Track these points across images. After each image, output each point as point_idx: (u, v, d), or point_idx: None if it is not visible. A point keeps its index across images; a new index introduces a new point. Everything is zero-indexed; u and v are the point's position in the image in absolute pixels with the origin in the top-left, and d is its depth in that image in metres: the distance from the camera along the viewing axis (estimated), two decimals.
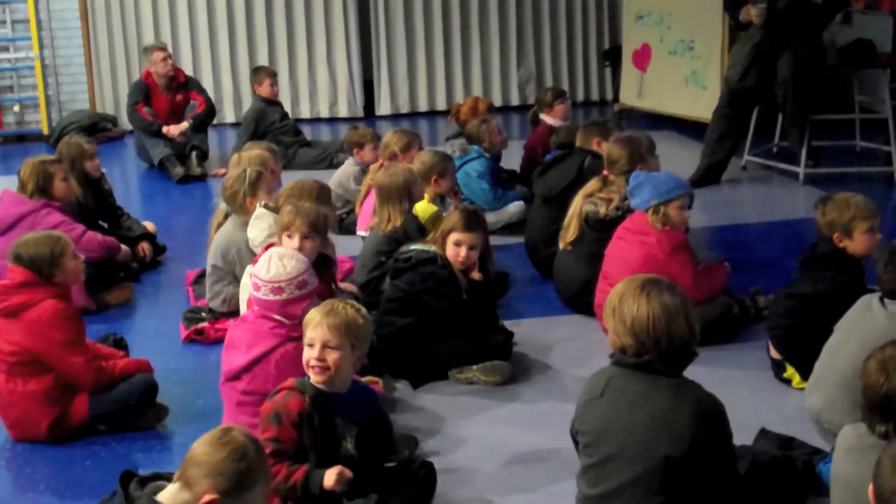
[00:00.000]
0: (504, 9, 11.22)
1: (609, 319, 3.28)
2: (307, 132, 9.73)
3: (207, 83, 10.25)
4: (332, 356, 3.50)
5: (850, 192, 4.56)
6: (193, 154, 8.73)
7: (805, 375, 4.25)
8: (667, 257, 4.97)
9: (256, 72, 9.23)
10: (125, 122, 10.20)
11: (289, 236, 4.62)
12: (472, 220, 4.78)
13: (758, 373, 4.70)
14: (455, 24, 11.16)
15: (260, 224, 5.13)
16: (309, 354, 3.53)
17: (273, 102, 9.06)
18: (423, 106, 11.25)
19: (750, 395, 4.46)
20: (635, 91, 10.20)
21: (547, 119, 7.51)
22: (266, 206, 5.21)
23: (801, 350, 4.41)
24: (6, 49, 10.50)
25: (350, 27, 11.00)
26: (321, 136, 10.24)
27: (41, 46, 10.42)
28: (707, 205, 7.12)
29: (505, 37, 11.28)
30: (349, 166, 7.23)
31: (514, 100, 11.39)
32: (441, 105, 11.16)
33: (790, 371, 4.57)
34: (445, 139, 7.64)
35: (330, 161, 8.52)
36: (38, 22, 10.40)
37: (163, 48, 9.08)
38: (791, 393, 4.51)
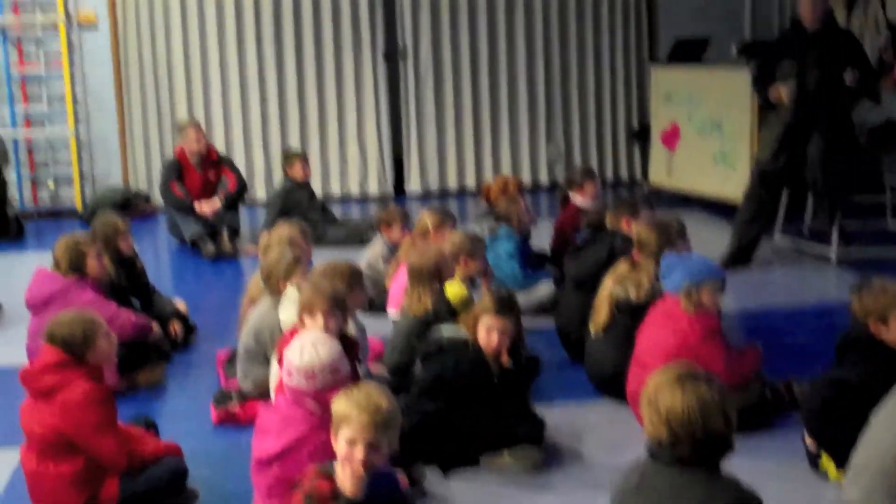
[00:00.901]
0: (533, 87, 11.32)
1: (644, 409, 3.24)
2: (337, 209, 9.80)
3: (239, 161, 10.37)
4: (375, 456, 3.43)
5: (887, 280, 4.53)
6: (225, 232, 8.80)
7: (842, 466, 4.19)
8: (699, 342, 4.93)
9: (287, 155, 9.33)
10: (158, 199, 10.33)
11: (310, 315, 4.62)
12: (505, 306, 4.77)
13: (793, 463, 4.63)
14: (484, 102, 11.26)
15: (292, 307, 5.14)
16: (352, 454, 3.42)
17: (302, 183, 9.15)
18: (452, 184, 11.32)
19: (785, 487, 4.39)
20: (664, 170, 10.24)
21: (576, 198, 7.53)
22: (299, 289, 5.22)
23: (837, 440, 4.34)
24: (41, 125, 10.68)
25: (380, 105, 11.13)
26: (351, 213, 10.32)
27: (76, 122, 10.59)
28: (738, 287, 7.09)
29: (534, 115, 11.37)
30: (378, 246, 7.25)
31: (544, 178, 11.44)
32: (470, 183, 11.24)
33: (826, 462, 4.50)
34: (475, 219, 7.66)
35: (360, 239, 8.56)
36: (74, 98, 10.58)
37: (196, 126, 9.20)
38: (828, 485, 4.44)
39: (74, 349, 4.44)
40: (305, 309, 4.65)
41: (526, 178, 11.10)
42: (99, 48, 10.67)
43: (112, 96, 10.76)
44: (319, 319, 4.58)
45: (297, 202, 8.96)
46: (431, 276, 5.44)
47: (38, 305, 5.79)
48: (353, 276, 5.25)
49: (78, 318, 4.53)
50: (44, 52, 10.56)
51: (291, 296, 5.21)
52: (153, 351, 6.13)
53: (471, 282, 5.94)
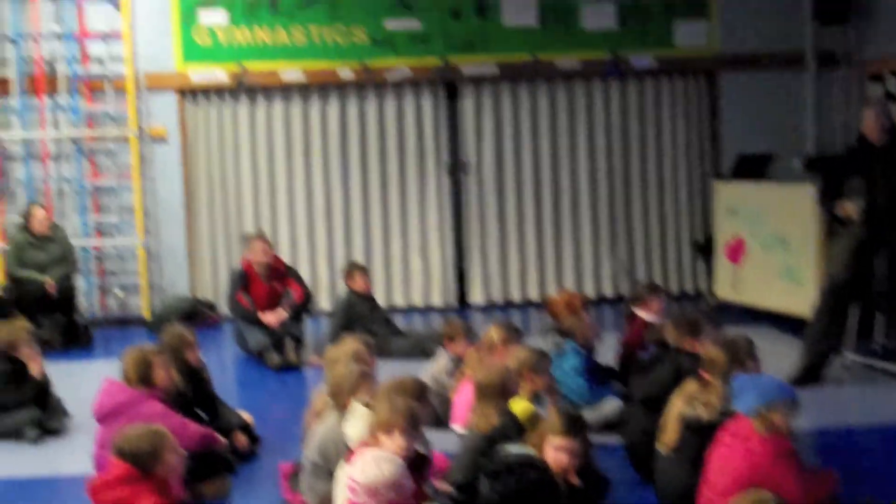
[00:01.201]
0: (595, 200, 11.36)
1: None
2: (400, 321, 9.83)
3: (304, 272, 10.46)
4: None
5: None
6: (290, 343, 8.86)
7: None
8: (772, 465, 4.82)
9: (348, 268, 9.42)
10: (223, 309, 10.46)
11: (387, 435, 4.59)
12: (573, 425, 4.72)
13: None
14: (547, 215, 11.31)
15: (358, 422, 5.12)
16: None
17: (364, 295, 9.20)
18: (515, 296, 11.32)
19: None
20: (730, 284, 10.16)
21: (642, 314, 7.48)
22: (365, 404, 5.21)
23: None
24: (111, 235, 10.89)
25: (444, 218, 11.23)
26: (415, 324, 10.33)
27: (146, 233, 10.79)
28: (810, 406, 6.89)
29: (597, 228, 11.38)
30: (442, 360, 7.23)
31: (607, 291, 11.40)
32: (533, 295, 11.23)
33: None
34: (540, 334, 7.63)
35: (423, 351, 8.55)
36: (144, 209, 10.80)
37: (262, 238, 9.35)
38: None
39: (142, 463, 4.47)
40: (383, 427, 4.62)
41: (589, 290, 11.09)
42: (169, 161, 10.93)
43: (181, 207, 10.98)
44: (398, 439, 4.56)
45: (359, 314, 9.01)
46: (498, 392, 5.41)
47: (106, 416, 5.83)
48: (421, 392, 5.24)
49: (146, 433, 4.56)
50: (115, 164, 10.83)
51: (358, 411, 5.20)
52: (219, 463, 6.12)
53: (536, 398, 5.89)
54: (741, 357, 5.54)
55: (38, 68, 10.69)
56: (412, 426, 4.62)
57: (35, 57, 10.68)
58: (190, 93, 10.95)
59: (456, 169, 11.28)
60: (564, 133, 11.30)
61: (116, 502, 4.41)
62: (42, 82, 10.69)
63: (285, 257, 10.24)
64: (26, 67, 10.68)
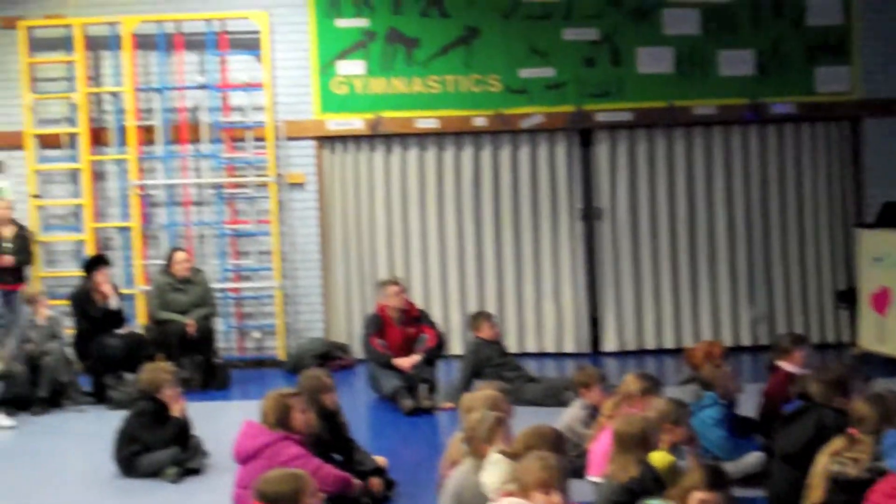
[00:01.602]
0: (733, 247, 11.15)
1: None
2: (533, 366, 9.77)
3: (437, 317, 10.49)
4: None
5: None
6: (423, 387, 8.88)
7: None
8: None
9: (474, 317, 9.41)
10: (356, 352, 10.58)
11: (544, 492, 4.53)
12: (717, 479, 4.60)
13: None
14: (683, 261, 11.15)
15: (496, 470, 5.08)
16: None
17: (491, 341, 9.18)
18: (650, 344, 11.15)
19: None
20: (875, 334, 9.83)
21: (785, 366, 7.27)
22: (502, 452, 5.17)
23: None
24: (249, 278, 11.13)
25: (577, 263, 11.15)
26: (547, 370, 10.25)
27: (283, 276, 10.99)
28: None
29: (734, 276, 11.16)
30: (577, 409, 7.14)
31: (746, 340, 11.14)
32: (668, 343, 11.05)
33: None
34: (677, 384, 7.49)
35: (555, 397, 8.47)
36: (282, 253, 11.02)
37: (397, 283, 9.43)
38: None
39: None
40: (541, 485, 4.55)
41: (727, 339, 10.84)
42: (305, 206, 11.14)
43: (316, 251, 11.16)
44: (554, 497, 4.50)
45: (488, 360, 8.99)
46: (637, 443, 5.31)
47: (246, 457, 5.92)
48: (559, 442, 5.18)
49: (287, 476, 4.61)
50: (254, 210, 11.09)
51: (495, 459, 5.16)
52: None
53: (676, 450, 5.76)
54: (892, 414, 5.33)
55: (182, 118, 11.04)
56: (563, 483, 4.57)
57: (179, 107, 11.04)
58: (327, 140, 11.15)
59: (589, 215, 11.22)
60: (701, 180, 11.14)
61: None
62: (185, 131, 11.04)
63: (418, 302, 10.30)
64: (171, 117, 11.04)
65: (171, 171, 11.07)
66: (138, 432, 7.24)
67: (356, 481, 6.23)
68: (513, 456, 5.02)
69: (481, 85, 11.04)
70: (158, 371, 7.41)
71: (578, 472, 6.45)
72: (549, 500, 4.53)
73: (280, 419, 5.98)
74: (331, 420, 6.64)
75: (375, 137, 11.14)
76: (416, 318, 9.37)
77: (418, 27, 11.03)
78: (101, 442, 7.65)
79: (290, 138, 11.07)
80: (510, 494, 4.69)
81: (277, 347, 11.03)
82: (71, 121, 11.12)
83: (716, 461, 6.05)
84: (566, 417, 7.15)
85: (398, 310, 9.27)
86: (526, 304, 11.19)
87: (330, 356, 10.53)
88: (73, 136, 11.10)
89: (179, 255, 10.18)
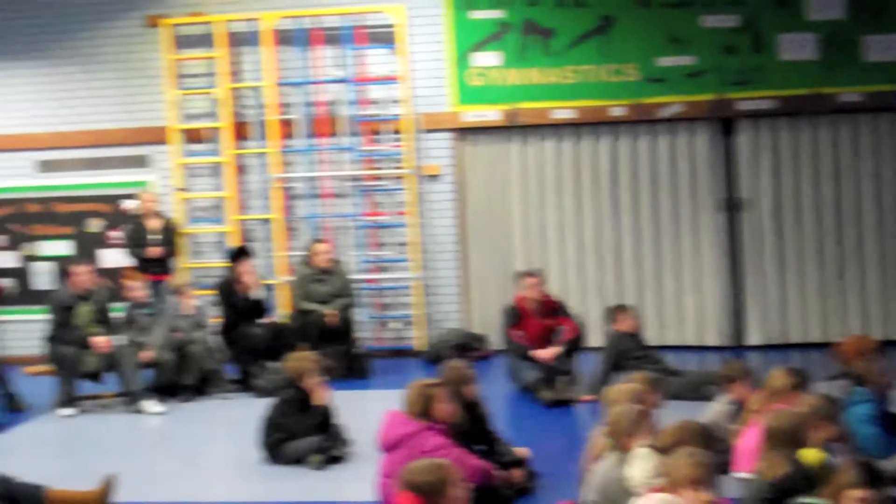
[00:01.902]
0: (882, 238, 10.78)
1: None
2: (673, 359, 9.63)
3: (574, 309, 10.43)
4: None
5: None
6: (562, 378, 8.85)
7: None
8: None
9: (611, 311, 9.30)
10: (493, 342, 10.60)
11: (694, 489, 4.47)
12: (872, 476, 4.46)
13: None
14: (829, 252, 10.84)
15: (642, 464, 5.03)
16: None
17: (631, 334, 9.08)
18: (795, 337, 10.87)
19: None
20: None
21: None
22: (648, 447, 5.11)
23: None
24: (387, 270, 11.24)
25: (718, 255, 10.95)
26: (687, 363, 10.07)
27: (420, 267, 11.08)
28: None
29: (884, 267, 10.78)
30: (722, 405, 6.99)
31: None
32: (815, 336, 10.76)
33: None
34: (827, 379, 7.29)
35: (696, 391, 8.33)
36: (419, 244, 11.10)
37: (535, 274, 9.41)
38: None
39: (429, 496, 4.53)
40: (693, 483, 4.49)
41: (876, 332, 10.47)
42: (442, 198, 11.19)
43: (453, 243, 11.20)
44: (703, 495, 4.44)
45: (626, 351, 8.89)
46: (788, 439, 5.18)
47: (390, 446, 5.98)
48: (708, 438, 5.09)
49: (433, 466, 4.63)
50: (392, 202, 11.19)
51: (641, 453, 5.10)
52: (496, 497, 6.15)
53: (826, 447, 5.61)
54: None
55: (321, 111, 11.20)
56: (713, 478, 4.50)
57: (318, 101, 11.21)
58: (463, 132, 11.18)
59: (731, 206, 10.99)
60: (848, 169, 10.80)
61: None
62: (324, 124, 11.21)
63: (555, 293, 10.25)
64: (310, 111, 11.22)
65: (311, 164, 11.25)
66: (283, 420, 7.38)
67: (498, 472, 6.24)
68: (660, 450, 4.96)
69: (618, 74, 10.92)
70: (303, 360, 7.54)
71: (723, 468, 6.35)
72: (698, 497, 4.46)
73: (423, 409, 6.03)
74: (472, 411, 6.67)
75: (511, 128, 11.12)
76: (554, 310, 9.34)
77: (554, 17, 10.96)
78: (246, 429, 7.84)
79: (427, 130, 11.13)
80: (659, 490, 4.63)
81: (415, 337, 11.13)
82: (213, 116, 11.40)
83: (869, 459, 5.86)
84: (710, 413, 7.02)
85: (536, 301, 9.25)
86: (666, 296, 11.04)
87: (467, 347, 10.58)
88: (215, 131, 11.37)
89: (320, 247, 10.35)
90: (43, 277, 11.78)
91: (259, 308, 10.12)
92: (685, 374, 9.04)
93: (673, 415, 5.70)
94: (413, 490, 4.56)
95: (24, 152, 11.73)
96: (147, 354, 9.43)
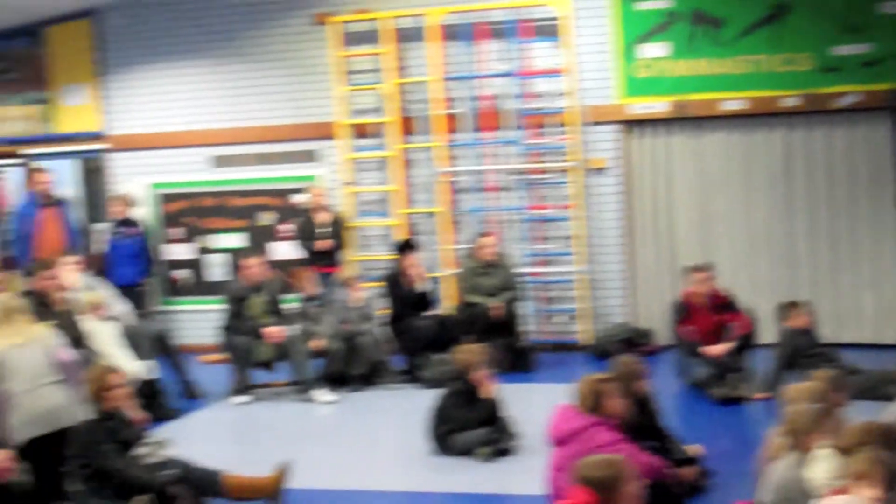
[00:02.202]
0: None
1: None
2: (850, 358, 9.30)
3: (745, 304, 10.18)
4: None
5: None
6: (733, 375, 8.66)
7: None
8: None
9: (783, 308, 9.04)
10: (660, 337, 10.45)
11: (877, 491, 4.31)
12: None
13: None
14: None
15: (824, 465, 4.87)
16: None
17: (804, 331, 8.81)
18: None
19: None
20: None
21: None
22: (830, 448, 4.94)
23: None
24: (552, 263, 11.20)
25: None
26: (865, 362, 9.71)
27: (585, 261, 11.01)
28: None
29: None
30: None
31: None
32: None
33: None
34: None
35: (876, 391, 8.03)
36: (586, 238, 11.03)
37: (704, 269, 9.24)
38: None
39: (604, 491, 4.49)
40: (872, 484, 4.34)
41: None
42: (607, 191, 11.08)
43: (618, 236, 11.09)
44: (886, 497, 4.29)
45: (799, 349, 8.64)
46: None
47: (561, 440, 5.95)
48: (892, 439, 4.89)
49: (609, 462, 4.59)
50: (556, 195, 11.14)
51: (823, 454, 4.94)
52: (668, 494, 6.07)
53: None
54: None
55: (486, 105, 11.23)
56: (891, 478, 4.32)
57: (482, 95, 11.24)
58: (630, 124, 11.05)
59: None
60: None
61: None
62: (489, 118, 11.23)
63: (725, 288, 10.02)
64: (475, 105, 11.26)
65: (476, 157, 11.30)
66: (451, 412, 7.45)
67: (670, 469, 6.14)
68: (843, 451, 4.79)
69: (791, 64, 10.60)
70: (471, 353, 7.59)
71: None
72: (881, 500, 4.30)
73: (594, 404, 5.98)
74: (643, 407, 6.59)
75: (679, 120, 10.93)
76: (724, 305, 9.15)
77: (724, 6, 10.71)
78: (414, 419, 7.94)
79: (593, 123, 11.04)
80: (841, 492, 4.48)
81: (579, 332, 11.07)
82: (379, 111, 11.56)
83: None
84: (891, 413, 6.76)
85: (706, 296, 9.08)
86: (843, 292, 10.66)
87: (634, 342, 10.45)
88: (382, 126, 11.53)
89: (486, 240, 10.39)
90: (216, 269, 12.17)
91: (424, 300, 10.24)
92: (863, 372, 8.73)
93: (852, 415, 5.51)
94: (588, 485, 4.52)
95: (199, 148, 12.13)
96: (318, 344, 9.65)
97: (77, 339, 7.56)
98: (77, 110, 12.44)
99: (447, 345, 9.20)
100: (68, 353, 6.04)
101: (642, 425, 6.50)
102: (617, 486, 4.49)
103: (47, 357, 5.79)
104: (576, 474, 4.61)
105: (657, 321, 10.76)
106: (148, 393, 8.42)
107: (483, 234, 10.56)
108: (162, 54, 12.12)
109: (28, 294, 7.57)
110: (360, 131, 11.63)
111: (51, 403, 5.68)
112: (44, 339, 5.88)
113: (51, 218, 11.02)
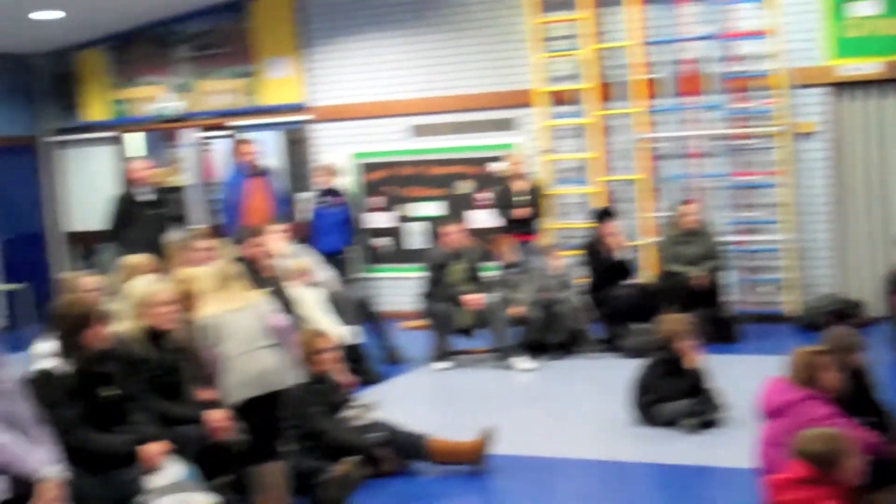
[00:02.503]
0: None
1: None
2: None
3: None
4: None
5: None
6: None
7: None
8: None
9: None
10: (871, 309, 10.03)
11: None
12: None
13: None
14: None
15: None
16: None
17: None
18: None
19: None
20: None
21: None
22: None
23: None
24: (756, 231, 10.87)
25: None
26: None
27: (791, 229, 10.64)
28: None
29: None
30: None
31: None
32: None
33: None
34: None
35: None
36: (792, 206, 10.65)
37: None
38: None
39: (824, 466, 4.36)
40: None
41: None
42: (814, 157, 10.67)
43: (827, 204, 10.66)
44: None
45: None
46: None
47: (772, 413, 5.77)
48: None
49: (829, 436, 4.47)
50: (760, 161, 10.80)
51: None
52: (886, 471, 5.80)
53: None
54: None
55: (687, 69, 10.96)
56: None
57: (683, 59, 10.97)
58: (839, 86, 10.58)
59: None
60: None
61: (795, 503, 4.33)
62: (691, 83, 10.96)
63: None
64: (675, 69, 11.01)
65: (677, 123, 11.06)
66: (654, 382, 7.34)
67: (888, 445, 5.87)
68: None
69: None
70: (675, 322, 7.45)
71: None
72: None
73: (808, 377, 5.75)
74: (858, 380, 6.30)
75: (892, 82, 10.39)
76: None
77: None
78: (615, 389, 7.86)
79: (799, 86, 10.63)
80: None
81: (785, 302, 10.72)
82: (577, 77, 11.43)
83: None
84: None
85: None
86: None
87: (844, 313, 10.03)
88: (580, 93, 11.41)
89: (687, 208, 10.17)
90: (416, 237, 12.34)
91: (624, 269, 10.11)
92: None
93: None
94: (806, 459, 4.41)
95: (398, 118, 12.29)
96: (517, 311, 9.67)
97: (285, 305, 7.79)
98: (280, 83, 12.79)
99: (647, 314, 9.10)
100: (280, 319, 6.22)
101: (858, 400, 6.22)
102: (837, 460, 4.36)
103: (261, 322, 5.96)
104: (794, 448, 4.48)
105: (868, 292, 10.31)
106: (352, 358, 8.60)
107: (684, 202, 10.34)
108: (361, 26, 12.32)
109: (237, 261, 7.83)
110: (558, 98, 11.54)
111: (264, 366, 5.83)
112: (258, 304, 6.07)
113: (257, 187, 11.39)
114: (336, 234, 11.18)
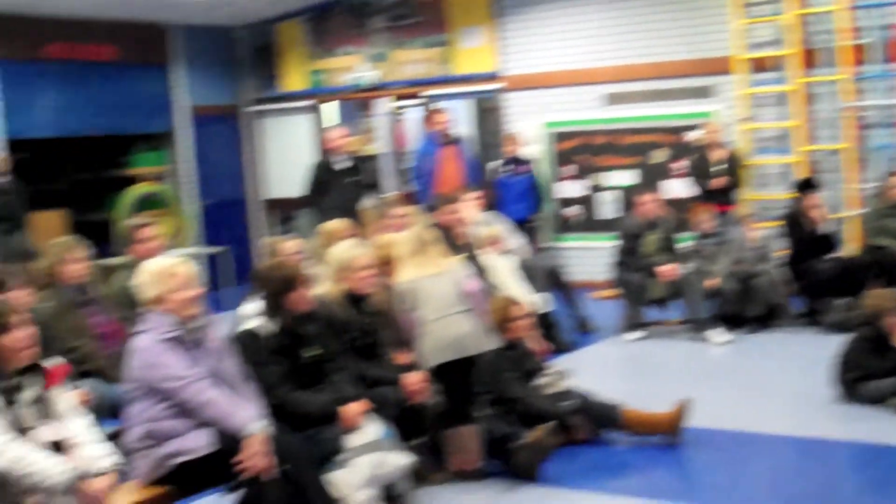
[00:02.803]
0: None
1: None
2: None
3: None
4: None
5: None
6: None
7: None
8: None
9: None
10: None
11: None
12: None
13: None
14: None
15: None
16: None
17: None
18: None
19: None
20: None
21: None
22: None
23: None
24: None
25: None
26: None
27: None
28: None
29: None
30: None
31: None
32: None
33: None
34: None
35: None
36: None
37: None
38: None
39: None
40: None
41: None
42: None
43: None
44: None
45: None
46: None
47: None
48: None
49: None
50: None
51: None
52: None
53: None
54: None
55: None
56: None
57: (894, 24, 10.45)
58: None
59: None
60: None
61: None
62: None
63: None
64: (885, 34, 10.50)
65: (886, 90, 10.56)
66: (860, 358, 7.05)
67: None
68: None
69: None
70: (883, 298, 7.12)
71: None
72: None
73: None
74: None
75: None
76: None
77: None
78: (815, 364, 7.61)
79: None
80: None
81: None
82: (779, 43, 11.05)
83: None
84: None
85: None
86: None
87: None
88: (782, 59, 11.03)
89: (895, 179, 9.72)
90: (608, 207, 12.22)
91: (827, 242, 9.74)
92: None
93: None
94: None
95: (592, 86, 12.15)
96: (712, 283, 9.45)
97: (478, 273, 7.83)
98: (474, 52, 12.83)
99: (850, 289, 8.77)
100: (475, 285, 6.26)
101: None
102: None
103: (456, 287, 6.02)
104: None
105: None
106: (543, 326, 8.58)
107: (892, 173, 9.86)
108: None
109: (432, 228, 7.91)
110: (758, 65, 11.19)
111: (459, 332, 5.89)
112: (454, 270, 6.12)
113: (450, 156, 11.48)
114: (521, 203, 11.20)
